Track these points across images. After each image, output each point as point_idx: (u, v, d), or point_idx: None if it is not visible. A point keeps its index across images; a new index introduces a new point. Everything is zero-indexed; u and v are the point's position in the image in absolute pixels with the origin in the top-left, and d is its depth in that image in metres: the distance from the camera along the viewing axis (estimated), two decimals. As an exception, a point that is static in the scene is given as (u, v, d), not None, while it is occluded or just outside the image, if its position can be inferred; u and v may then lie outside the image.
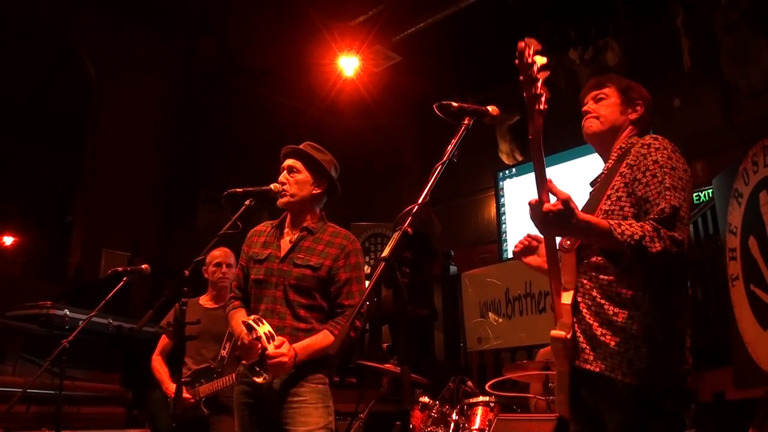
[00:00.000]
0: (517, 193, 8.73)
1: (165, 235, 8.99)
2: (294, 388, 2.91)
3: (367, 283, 2.94)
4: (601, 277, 2.14)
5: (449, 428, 4.67)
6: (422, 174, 9.17)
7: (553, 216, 1.97)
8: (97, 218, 8.51)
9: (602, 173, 2.36)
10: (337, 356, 3.07)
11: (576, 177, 8.46)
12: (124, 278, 3.91)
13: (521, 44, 1.87)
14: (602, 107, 2.39)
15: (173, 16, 8.76)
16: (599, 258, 2.16)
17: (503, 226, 8.82)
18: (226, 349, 4.36)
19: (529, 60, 1.85)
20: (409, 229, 1.77)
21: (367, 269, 5.56)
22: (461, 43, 8.84)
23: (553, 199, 2.00)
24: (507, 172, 9.02)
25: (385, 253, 1.75)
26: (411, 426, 4.75)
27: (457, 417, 4.71)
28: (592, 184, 2.45)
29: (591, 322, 2.13)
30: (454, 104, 2.06)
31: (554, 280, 2.21)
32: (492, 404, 4.65)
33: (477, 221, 10.01)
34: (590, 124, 2.39)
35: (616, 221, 2.04)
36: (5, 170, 9.49)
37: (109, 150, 8.66)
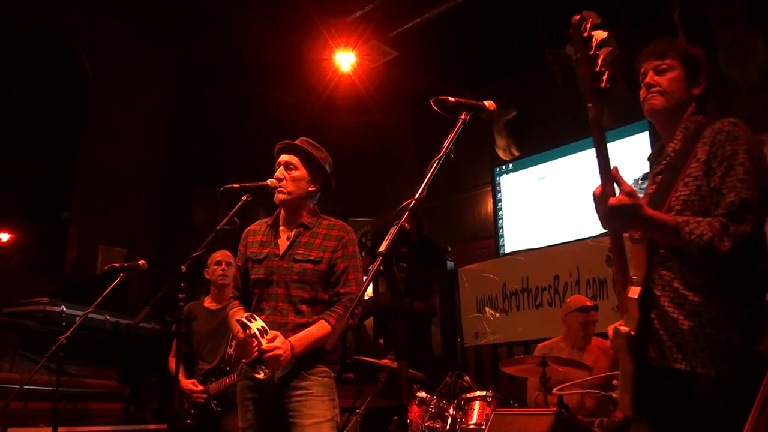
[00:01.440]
0: (514, 188, 8.73)
1: (161, 231, 8.97)
2: (300, 381, 2.93)
3: (364, 278, 2.95)
4: (684, 268, 2.02)
5: (446, 423, 4.68)
6: (419, 169, 9.17)
7: (617, 209, 1.90)
8: (93, 214, 8.49)
9: (666, 154, 2.22)
10: (336, 350, 3.07)
11: (575, 172, 8.49)
12: (121, 274, 3.93)
13: (577, 17, 1.78)
14: (666, 81, 2.21)
15: (170, 12, 8.73)
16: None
17: (500, 221, 8.83)
18: (233, 348, 4.42)
19: (586, 34, 1.77)
20: (405, 224, 1.77)
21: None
22: (458, 39, 8.82)
23: (617, 190, 1.92)
24: (504, 167, 9.02)
25: (382, 247, 1.75)
26: (408, 421, 4.76)
27: (454, 412, 4.72)
28: (650, 159, 2.33)
29: (676, 316, 2.01)
30: (451, 99, 2.05)
31: (620, 272, 2.10)
32: (489, 399, 4.67)
33: (474, 217, 10.00)
34: (656, 101, 2.21)
35: (684, 218, 1.95)
36: (0, 166, 9.46)
37: (105, 146, 8.63)
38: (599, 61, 1.77)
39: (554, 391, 4.13)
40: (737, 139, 2.03)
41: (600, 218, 1.99)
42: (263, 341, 2.83)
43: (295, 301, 3.00)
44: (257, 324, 2.88)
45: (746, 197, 1.94)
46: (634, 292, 2.05)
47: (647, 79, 2.26)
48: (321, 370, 2.97)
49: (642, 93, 2.28)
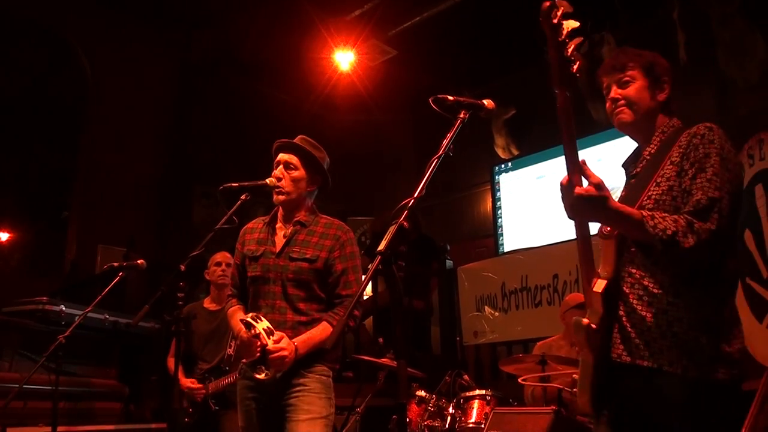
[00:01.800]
0: (513, 187, 8.73)
1: (160, 230, 8.96)
2: (298, 378, 2.93)
3: (363, 276, 2.96)
4: (653, 266, 2.03)
5: (446, 422, 4.69)
6: (418, 168, 9.17)
7: (584, 200, 1.91)
8: (92, 214, 8.48)
9: (643, 158, 2.24)
10: (337, 349, 3.08)
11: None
12: (120, 273, 3.93)
13: (546, 4, 1.77)
14: (631, 92, 2.23)
15: (169, 10, 8.73)
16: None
17: (499, 220, 8.83)
18: (232, 347, 4.46)
19: (555, 21, 1.76)
20: (405, 223, 1.77)
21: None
22: (457, 38, 8.82)
23: (585, 182, 1.93)
24: (503, 166, 9.01)
25: (381, 246, 1.75)
26: (408, 420, 4.76)
27: (453, 410, 4.73)
28: (624, 166, 2.35)
29: (644, 313, 2.02)
30: (450, 98, 2.05)
31: (585, 266, 2.11)
32: (488, 397, 4.67)
33: (473, 216, 10.00)
34: (624, 115, 2.24)
35: (650, 213, 1.95)
36: (0, 166, 9.46)
37: (104, 145, 8.63)
38: (569, 48, 1.77)
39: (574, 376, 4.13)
40: (711, 143, 2.05)
41: (566, 208, 2.01)
42: (269, 342, 2.83)
43: (293, 299, 3.01)
44: (263, 325, 2.88)
45: (713, 196, 1.96)
46: (599, 286, 2.06)
47: (612, 94, 2.28)
48: (320, 368, 2.98)
49: (608, 106, 2.31)
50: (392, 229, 1.77)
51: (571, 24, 1.77)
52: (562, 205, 1.98)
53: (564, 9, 1.78)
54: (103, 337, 5.73)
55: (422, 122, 9.55)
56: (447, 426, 4.67)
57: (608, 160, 7.40)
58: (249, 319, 2.89)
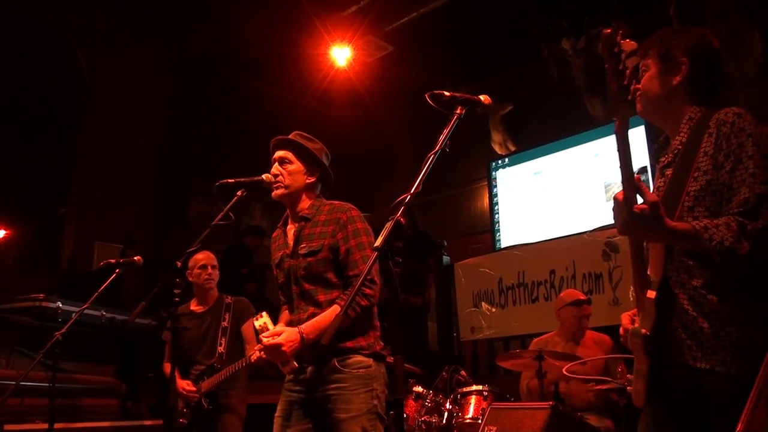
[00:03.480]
0: (510, 183, 8.73)
1: (157, 226, 8.97)
2: (334, 373, 2.89)
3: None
4: (701, 267, 1.99)
5: (443, 417, 4.69)
6: (415, 164, 9.17)
7: (639, 218, 1.85)
8: (89, 210, 8.49)
9: (674, 147, 2.18)
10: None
11: (571, 166, 8.49)
12: (117, 270, 3.91)
13: (607, 31, 1.73)
14: (643, 83, 2.20)
15: (165, 7, 8.72)
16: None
17: (496, 216, 8.83)
18: (223, 345, 4.45)
19: (616, 49, 1.73)
20: (401, 219, 1.77)
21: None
22: (453, 33, 8.82)
23: (639, 199, 1.88)
24: (500, 162, 9.02)
25: (378, 242, 1.74)
26: (405, 415, 4.77)
27: (450, 406, 4.73)
28: (656, 152, 2.30)
29: (695, 314, 1.99)
30: (446, 94, 2.03)
31: (637, 273, 2.08)
32: (485, 393, 4.68)
33: (470, 211, 10.01)
34: (638, 106, 2.21)
35: (702, 224, 1.90)
36: (-4, 162, 9.45)
37: (101, 142, 8.63)
38: (627, 74, 1.74)
39: (564, 370, 4.14)
40: (743, 130, 1.99)
41: (618, 224, 1.92)
42: (264, 339, 2.86)
43: (311, 294, 2.99)
44: (258, 322, 2.93)
45: (760, 192, 1.91)
46: (652, 293, 2.03)
47: (633, 84, 2.25)
48: (355, 361, 2.90)
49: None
50: (389, 225, 1.76)
51: (629, 46, 1.74)
52: (615, 220, 1.93)
53: (623, 32, 1.74)
54: (100, 333, 5.73)
55: (419, 118, 9.55)
56: (444, 421, 4.67)
57: (605, 156, 7.41)
58: (255, 324, 2.96)
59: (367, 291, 2.88)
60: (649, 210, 1.84)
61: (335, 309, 2.90)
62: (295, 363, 2.89)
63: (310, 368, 2.94)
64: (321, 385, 2.90)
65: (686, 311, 2.01)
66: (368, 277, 2.84)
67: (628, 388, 4.02)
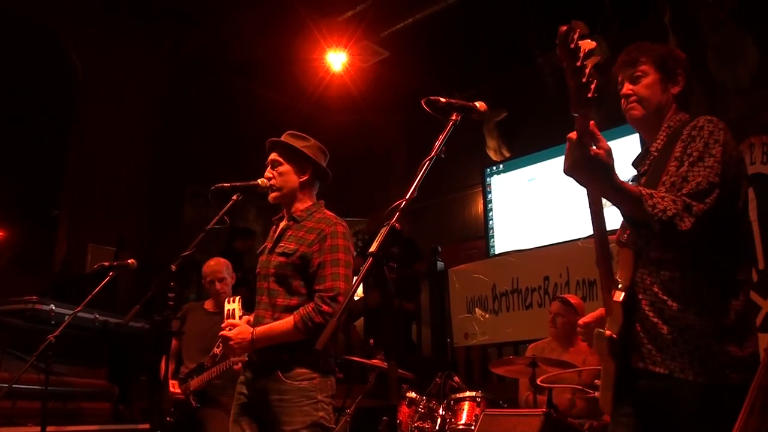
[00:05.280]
0: (505, 189, 8.74)
1: (151, 229, 8.95)
2: (277, 384, 2.87)
3: (343, 270, 2.95)
4: (662, 273, 2.03)
5: (436, 423, 4.69)
6: (410, 169, 9.18)
7: (594, 160, 1.83)
8: (83, 213, 8.46)
9: (651, 155, 2.22)
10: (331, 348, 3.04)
11: (563, 174, 8.49)
12: (111, 273, 3.91)
13: (563, 28, 1.74)
14: (642, 88, 2.22)
15: (161, 9, 8.72)
16: (659, 253, 2.04)
17: (490, 222, 8.84)
18: (220, 348, 4.46)
19: (573, 45, 1.72)
20: (397, 224, 1.77)
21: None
22: (449, 39, 8.84)
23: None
24: (494, 168, 9.04)
25: (373, 248, 1.75)
26: (398, 421, 4.76)
27: (443, 412, 4.73)
28: (635, 165, 2.32)
29: (655, 320, 2.02)
30: (442, 100, 2.04)
31: (604, 275, 2.10)
32: (479, 399, 4.68)
33: (464, 217, 10.03)
34: (635, 111, 2.23)
35: (649, 191, 1.91)
36: (-10, 164, 9.41)
37: (95, 144, 8.61)
38: (586, 72, 1.73)
39: (539, 381, 4.14)
40: (711, 134, 2.03)
41: (567, 163, 1.89)
42: (223, 326, 2.97)
43: (273, 295, 2.98)
44: (229, 306, 3.03)
45: (713, 181, 1.93)
46: (619, 295, 2.06)
47: (624, 90, 2.26)
48: (298, 372, 2.86)
49: (622, 103, 2.28)
50: (384, 230, 1.76)
51: (587, 45, 1.74)
52: (564, 160, 1.89)
53: (580, 30, 1.74)
54: (92, 337, 5.70)
55: (414, 124, 9.56)
56: (437, 427, 4.66)
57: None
58: (225, 304, 3.03)
59: (325, 308, 2.84)
60: (605, 154, 1.85)
61: (288, 320, 2.87)
62: (245, 356, 2.93)
63: (254, 375, 2.96)
64: (266, 394, 2.88)
65: (647, 317, 2.04)
66: (331, 294, 2.85)
67: (595, 393, 4.02)
